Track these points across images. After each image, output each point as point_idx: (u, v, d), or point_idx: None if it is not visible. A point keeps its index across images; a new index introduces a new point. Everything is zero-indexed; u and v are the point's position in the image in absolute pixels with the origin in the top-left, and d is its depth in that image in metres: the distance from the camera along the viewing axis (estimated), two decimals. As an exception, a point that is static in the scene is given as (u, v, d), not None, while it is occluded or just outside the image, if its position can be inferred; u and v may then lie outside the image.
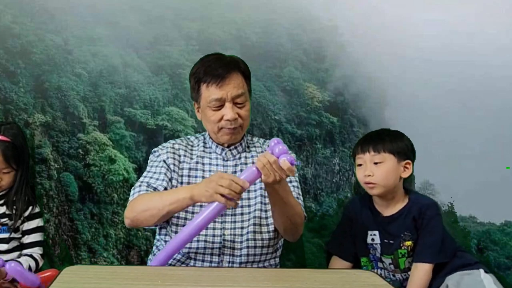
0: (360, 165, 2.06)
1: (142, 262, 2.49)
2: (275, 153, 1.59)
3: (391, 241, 2.05)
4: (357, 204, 2.15)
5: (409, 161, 2.04)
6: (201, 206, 1.83)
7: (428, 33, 2.76)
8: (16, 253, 2.03)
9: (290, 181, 1.93)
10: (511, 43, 2.78)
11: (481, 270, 1.98)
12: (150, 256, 2.00)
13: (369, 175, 2.01)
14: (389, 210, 2.07)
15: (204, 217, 1.63)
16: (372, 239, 2.07)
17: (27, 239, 2.04)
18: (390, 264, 2.06)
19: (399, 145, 2.03)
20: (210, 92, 1.83)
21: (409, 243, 2.03)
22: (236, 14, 2.81)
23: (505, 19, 2.77)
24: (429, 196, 2.90)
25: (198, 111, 1.94)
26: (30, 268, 1.97)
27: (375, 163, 2.01)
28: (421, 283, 1.97)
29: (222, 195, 1.56)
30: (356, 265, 2.14)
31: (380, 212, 2.08)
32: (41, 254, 2.04)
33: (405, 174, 2.04)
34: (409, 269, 2.05)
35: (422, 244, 2.01)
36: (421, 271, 1.97)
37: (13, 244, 2.03)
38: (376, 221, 2.08)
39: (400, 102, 2.84)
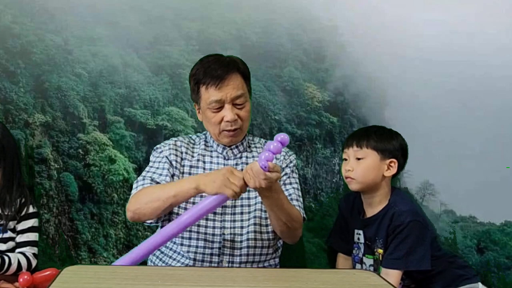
0: (345, 159, 2.01)
1: (142, 262, 2.49)
2: (260, 158, 1.56)
3: (369, 243, 1.99)
4: (347, 201, 2.11)
5: (394, 160, 1.95)
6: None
7: (428, 33, 2.76)
8: (15, 254, 2.03)
9: (290, 183, 1.93)
10: (511, 43, 2.78)
11: (480, 284, 1.94)
12: (150, 256, 2.00)
13: (349, 170, 1.96)
14: (371, 211, 2.00)
15: (205, 207, 1.63)
16: (358, 238, 2.03)
17: (20, 238, 2.03)
18: (370, 265, 1.99)
19: (384, 143, 1.95)
20: (209, 94, 1.83)
21: (380, 251, 1.94)
22: (236, 14, 2.81)
23: (505, 19, 2.77)
24: (429, 196, 2.90)
25: (199, 112, 1.94)
26: (20, 266, 1.97)
27: (357, 159, 1.95)
28: None
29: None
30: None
31: (365, 211, 2.03)
32: (34, 254, 2.03)
33: (388, 173, 1.95)
34: None
35: (391, 251, 1.89)
36: (392, 277, 1.84)
37: (12, 244, 2.02)
38: (360, 220, 2.03)
39: (400, 102, 2.84)
